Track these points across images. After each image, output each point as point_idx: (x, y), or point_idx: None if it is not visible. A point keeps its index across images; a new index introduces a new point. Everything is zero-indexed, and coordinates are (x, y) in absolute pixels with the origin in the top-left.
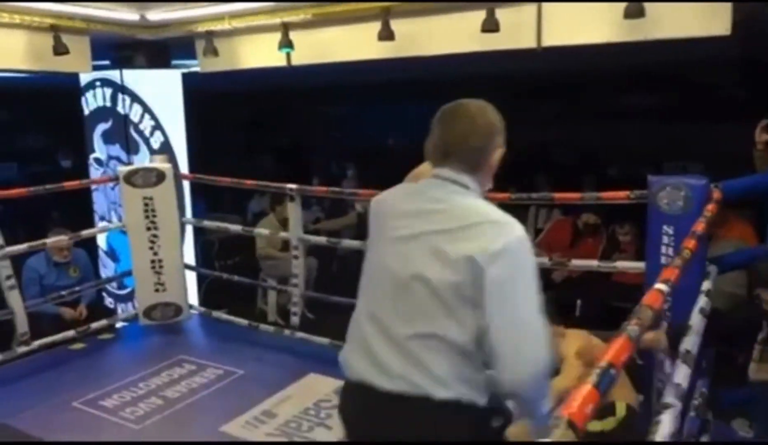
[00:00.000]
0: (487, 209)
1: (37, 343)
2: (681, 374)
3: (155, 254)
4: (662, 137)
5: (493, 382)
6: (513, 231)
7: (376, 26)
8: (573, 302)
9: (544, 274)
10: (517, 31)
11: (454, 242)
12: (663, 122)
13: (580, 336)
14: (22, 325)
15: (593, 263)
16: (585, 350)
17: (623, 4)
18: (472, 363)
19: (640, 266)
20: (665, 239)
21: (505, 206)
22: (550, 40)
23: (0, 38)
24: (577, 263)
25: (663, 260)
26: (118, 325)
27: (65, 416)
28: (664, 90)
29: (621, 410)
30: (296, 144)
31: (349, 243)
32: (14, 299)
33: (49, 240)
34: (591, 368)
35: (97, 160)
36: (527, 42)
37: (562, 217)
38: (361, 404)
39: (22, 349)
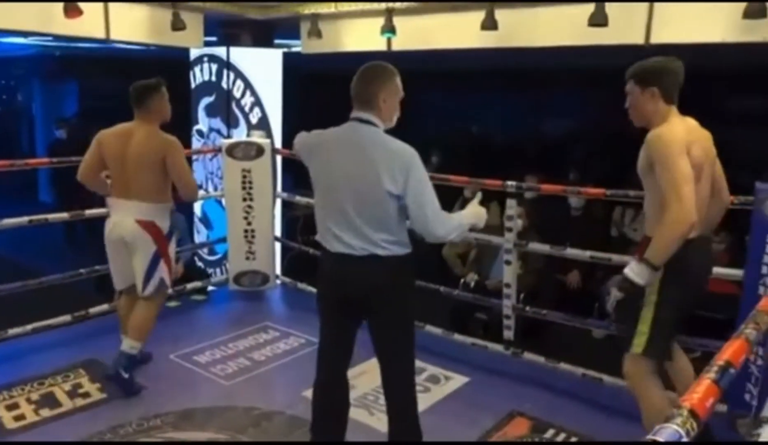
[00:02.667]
0: None
1: None
2: None
3: (249, 224)
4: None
5: None
6: None
7: (479, 15)
8: None
9: None
10: (625, 27)
11: None
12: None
13: None
14: None
15: None
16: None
17: (743, 3)
18: None
19: (737, 273)
20: None
21: (597, 203)
22: (659, 37)
23: (125, 13)
24: None
25: (764, 269)
26: (210, 288)
27: (164, 366)
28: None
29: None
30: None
31: None
32: None
33: None
34: None
35: (199, 132)
36: (635, 38)
37: None
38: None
39: None
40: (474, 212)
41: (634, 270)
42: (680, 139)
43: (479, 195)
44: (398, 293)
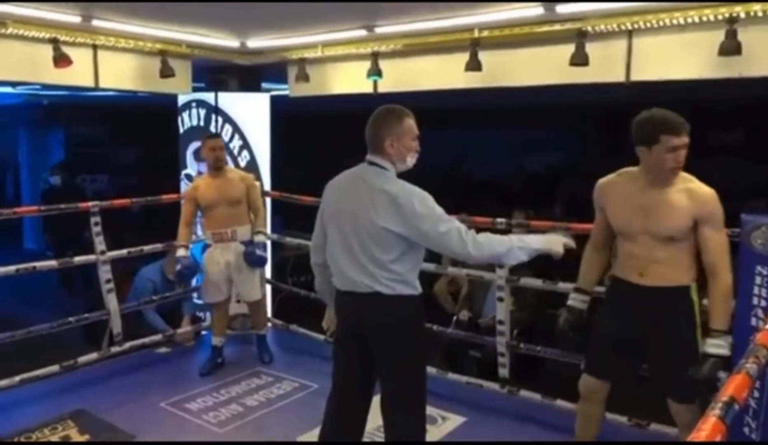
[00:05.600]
0: None
1: (128, 344)
2: None
3: None
4: (744, 174)
5: None
6: None
7: (463, 57)
8: None
9: None
10: (606, 65)
11: None
12: (745, 159)
13: None
14: (116, 326)
15: None
16: None
17: (718, 41)
18: None
19: None
20: (758, 280)
21: (579, 237)
22: (639, 75)
23: (113, 61)
24: None
25: (755, 300)
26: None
27: (154, 415)
28: (748, 126)
29: None
30: None
31: None
32: (111, 301)
33: (147, 247)
34: None
35: (188, 176)
36: (616, 76)
37: None
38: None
39: (115, 349)
40: (550, 239)
41: (722, 345)
42: None
43: (570, 242)
44: (402, 334)
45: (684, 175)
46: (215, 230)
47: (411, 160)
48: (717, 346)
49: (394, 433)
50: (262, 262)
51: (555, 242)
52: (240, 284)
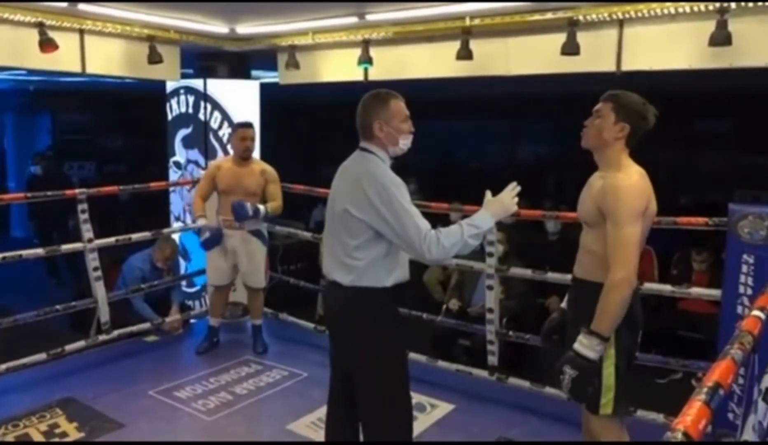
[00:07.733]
0: None
1: (116, 332)
2: (762, 412)
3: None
4: (731, 165)
5: None
6: None
7: (454, 45)
8: None
9: None
10: (597, 55)
11: None
12: (733, 149)
13: None
14: (104, 314)
15: (666, 288)
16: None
17: (708, 31)
18: None
19: (715, 293)
20: (744, 268)
21: (572, 227)
22: (629, 64)
23: (101, 46)
24: (649, 286)
25: (741, 288)
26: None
27: (143, 403)
28: (736, 116)
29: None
30: None
31: None
32: (99, 289)
33: (135, 235)
34: None
35: (176, 164)
36: (607, 65)
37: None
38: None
39: (103, 337)
40: (497, 208)
41: (585, 345)
42: (641, 197)
43: (515, 185)
44: (358, 330)
45: (625, 162)
46: (227, 216)
47: (404, 143)
48: (581, 344)
49: (365, 434)
50: (241, 210)
51: (502, 208)
52: (246, 270)
